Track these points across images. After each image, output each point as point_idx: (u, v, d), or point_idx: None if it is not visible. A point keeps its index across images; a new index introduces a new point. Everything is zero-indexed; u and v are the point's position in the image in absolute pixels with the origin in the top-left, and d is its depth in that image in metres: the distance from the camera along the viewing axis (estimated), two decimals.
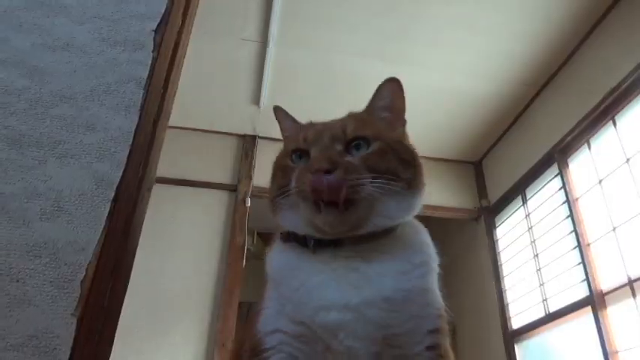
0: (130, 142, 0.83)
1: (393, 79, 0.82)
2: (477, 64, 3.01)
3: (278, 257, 0.74)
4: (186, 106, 3.31)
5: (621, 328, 2.30)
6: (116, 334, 2.80)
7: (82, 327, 0.70)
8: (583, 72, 2.86)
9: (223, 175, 3.36)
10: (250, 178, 3.32)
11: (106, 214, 0.77)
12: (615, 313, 2.35)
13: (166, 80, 0.96)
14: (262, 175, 3.36)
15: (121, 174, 0.80)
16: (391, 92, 0.82)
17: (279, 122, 0.88)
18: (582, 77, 2.86)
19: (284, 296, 0.69)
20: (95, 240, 0.75)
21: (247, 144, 3.48)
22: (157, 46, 0.92)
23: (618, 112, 2.57)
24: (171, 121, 3.74)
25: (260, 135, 3.50)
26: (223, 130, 3.50)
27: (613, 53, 2.63)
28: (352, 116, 0.80)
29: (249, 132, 3.50)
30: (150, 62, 0.90)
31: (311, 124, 0.81)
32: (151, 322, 2.86)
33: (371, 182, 0.64)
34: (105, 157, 0.81)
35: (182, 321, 2.93)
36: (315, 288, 0.66)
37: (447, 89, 3.13)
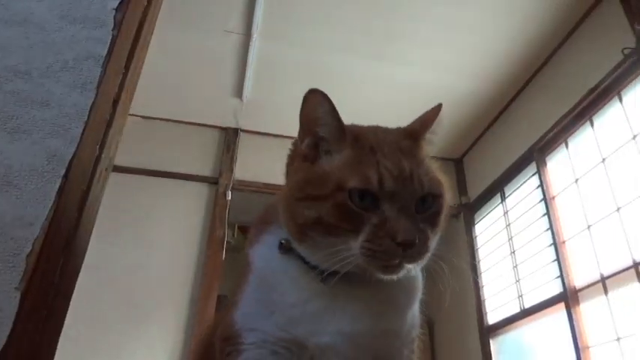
0: (85, 120, 0.82)
1: (440, 105, 0.75)
2: (460, 62, 3.03)
3: (274, 264, 0.68)
4: (168, 97, 3.30)
5: (593, 324, 2.33)
6: (93, 324, 2.78)
7: (25, 301, 0.69)
8: (563, 72, 2.89)
9: (204, 168, 3.34)
10: (232, 171, 3.31)
11: (56, 190, 0.76)
12: (588, 309, 2.38)
13: (129, 59, 0.95)
14: (244, 169, 3.35)
15: (73, 151, 0.79)
16: (438, 117, 0.74)
17: (313, 110, 0.66)
18: (562, 77, 2.89)
19: (274, 304, 0.65)
20: (44, 215, 0.74)
21: (229, 137, 3.47)
22: (118, 25, 0.91)
23: (596, 112, 2.60)
24: (152, 112, 3.74)
25: (243, 128, 3.49)
26: (205, 123, 3.48)
27: (592, 54, 2.67)
28: (418, 156, 0.68)
29: (232, 125, 3.48)
30: (109, 40, 0.89)
31: (372, 150, 0.65)
32: (129, 313, 2.84)
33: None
34: (58, 133, 0.80)
35: (160, 312, 2.92)
36: (315, 312, 0.64)
37: (430, 86, 3.14)
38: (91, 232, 0.90)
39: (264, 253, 0.71)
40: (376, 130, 0.72)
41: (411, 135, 0.70)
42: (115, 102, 0.93)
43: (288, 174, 0.72)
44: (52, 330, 0.75)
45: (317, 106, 0.66)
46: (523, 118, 3.18)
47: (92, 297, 2.83)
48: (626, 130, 2.36)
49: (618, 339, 2.12)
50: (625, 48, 2.40)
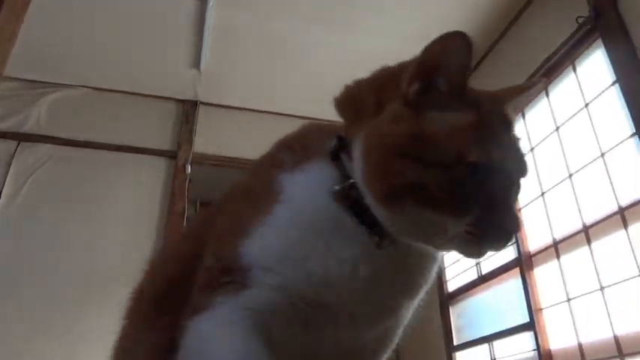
0: None
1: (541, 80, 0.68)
2: (422, 31, 2.99)
3: (323, 207, 0.57)
4: (122, 68, 3.16)
5: (545, 287, 2.41)
6: (48, 302, 2.68)
7: None
8: (519, 43, 2.92)
9: (162, 141, 3.24)
10: (191, 144, 3.23)
11: None
12: (541, 273, 2.46)
13: None
14: (204, 142, 3.27)
15: None
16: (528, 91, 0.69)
17: (446, 55, 0.55)
18: (519, 48, 2.93)
19: (313, 251, 0.56)
20: None
21: (188, 109, 3.37)
22: None
23: (550, 82, 2.65)
24: (105, 84, 3.59)
25: (202, 100, 3.39)
26: (162, 95, 3.36)
27: (548, 24, 2.70)
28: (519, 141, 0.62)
29: (190, 97, 3.38)
30: None
31: (491, 120, 0.57)
32: (86, 290, 2.76)
33: None
34: None
35: (119, 289, 2.84)
36: (367, 276, 0.57)
37: (389, 55, 3.09)
38: None
39: (308, 186, 0.58)
40: (489, 95, 0.62)
41: (506, 104, 0.62)
42: None
43: (375, 109, 0.59)
44: None
45: (454, 53, 0.54)
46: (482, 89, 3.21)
47: (46, 275, 2.73)
48: (578, 99, 2.42)
49: (569, 300, 2.20)
50: (579, 17, 2.44)
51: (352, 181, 0.57)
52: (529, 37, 2.86)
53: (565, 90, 2.57)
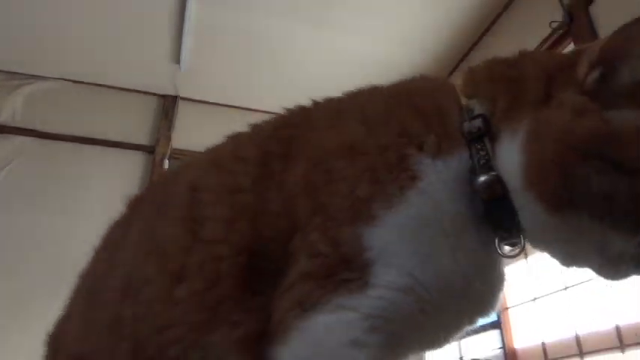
0: None
1: None
2: (403, 33, 3.04)
3: (460, 205, 0.50)
4: (101, 61, 3.14)
5: (512, 286, 2.45)
6: (19, 296, 2.66)
7: None
8: (497, 45, 2.96)
9: (140, 136, 3.23)
10: (169, 139, 3.22)
11: None
12: (508, 273, 2.50)
13: None
14: (183, 138, 3.27)
15: None
16: None
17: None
18: (496, 51, 2.95)
19: (440, 250, 0.49)
20: None
21: (167, 104, 3.36)
22: None
23: None
24: (85, 77, 3.56)
25: (182, 96, 3.38)
26: (142, 89, 3.35)
27: (524, 28, 2.74)
28: None
29: (170, 92, 3.37)
30: None
31: None
32: (60, 283, 2.73)
33: None
34: None
35: None
36: (486, 281, 0.53)
37: (371, 56, 3.14)
38: None
39: (451, 178, 0.50)
40: None
41: None
42: None
43: (544, 97, 0.51)
44: None
45: None
46: None
47: (19, 267, 2.72)
48: None
49: (534, 299, 2.24)
50: (552, 21, 2.48)
51: (495, 174, 0.49)
52: (505, 40, 2.89)
53: None
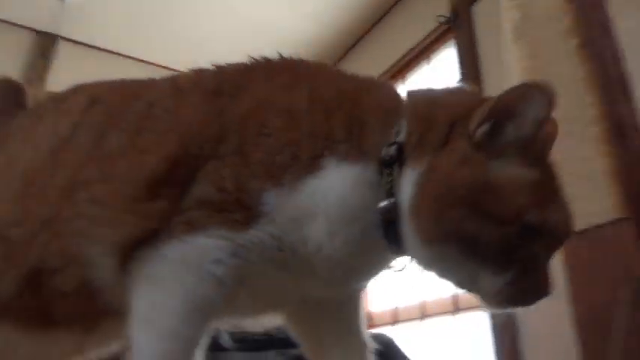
0: None
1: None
2: (302, 1, 3.05)
3: (359, 212, 0.57)
4: None
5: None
6: None
7: None
8: (388, 33, 3.11)
9: (9, 74, 2.92)
10: (43, 81, 2.95)
11: None
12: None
13: None
14: (59, 81, 3.01)
15: None
16: None
17: (524, 107, 0.53)
18: (387, 38, 3.11)
19: (329, 233, 0.56)
20: None
21: (45, 42, 3.06)
22: None
23: (408, 72, 2.88)
24: None
25: (62, 35, 3.10)
26: (16, 22, 3.01)
27: (413, 19, 2.90)
28: None
29: (50, 30, 3.07)
30: None
31: (555, 179, 0.56)
32: None
33: None
34: None
35: None
36: (355, 264, 0.60)
37: (268, 25, 3.12)
38: None
39: (351, 185, 0.56)
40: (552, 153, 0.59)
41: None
42: None
43: (444, 140, 0.56)
44: None
45: (533, 104, 0.52)
46: (357, 69, 3.36)
47: None
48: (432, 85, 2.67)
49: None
50: (439, 15, 2.65)
51: (395, 200, 0.55)
52: (395, 30, 3.06)
53: (420, 80, 2.81)
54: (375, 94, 0.64)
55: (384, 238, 0.56)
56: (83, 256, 0.56)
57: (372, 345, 0.68)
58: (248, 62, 0.67)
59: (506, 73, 0.87)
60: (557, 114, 0.74)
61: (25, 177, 0.63)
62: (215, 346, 1.45)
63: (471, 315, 1.98)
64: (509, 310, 0.55)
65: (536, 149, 0.53)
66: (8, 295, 0.58)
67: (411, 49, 2.83)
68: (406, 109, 0.61)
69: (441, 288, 2.11)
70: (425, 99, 0.62)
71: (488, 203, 0.51)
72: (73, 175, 0.59)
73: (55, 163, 0.62)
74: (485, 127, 0.53)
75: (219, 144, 0.57)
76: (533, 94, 0.52)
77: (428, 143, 0.56)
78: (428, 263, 0.56)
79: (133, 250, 0.55)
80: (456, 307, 2.09)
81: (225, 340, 1.49)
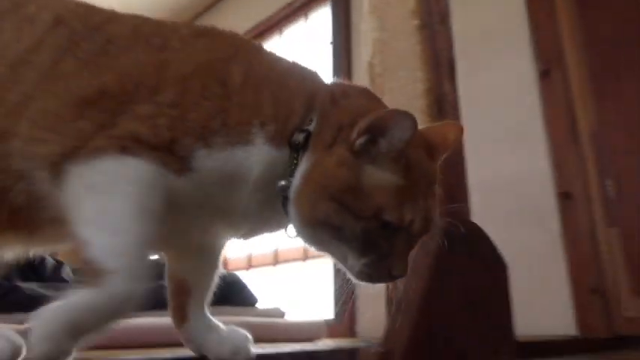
0: None
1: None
2: None
3: (264, 189, 0.65)
4: None
5: None
6: None
7: None
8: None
9: None
10: None
11: None
12: None
13: None
14: None
15: None
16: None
17: (394, 129, 0.62)
18: None
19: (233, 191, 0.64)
20: None
21: None
22: None
23: (285, 25, 2.91)
24: None
25: None
26: None
27: None
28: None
29: None
30: None
31: (415, 185, 0.64)
32: None
33: None
34: None
35: None
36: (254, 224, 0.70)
37: None
38: None
39: (261, 162, 0.64)
40: (422, 156, 0.67)
41: (436, 159, 0.70)
42: None
43: (331, 142, 0.64)
44: None
45: (400, 127, 0.61)
46: (223, 24, 3.29)
47: None
48: (307, 42, 2.75)
49: None
50: None
51: (289, 183, 0.64)
52: None
53: (296, 33, 2.87)
54: (302, 79, 0.72)
55: (283, 208, 0.66)
56: (23, 171, 0.61)
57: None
58: (199, 28, 0.74)
59: (362, 40, 0.95)
60: (393, 84, 0.85)
61: None
62: (57, 278, 1.42)
63: (318, 262, 2.18)
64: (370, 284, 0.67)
65: (401, 161, 0.63)
66: None
67: (289, 4, 2.85)
68: (321, 101, 0.69)
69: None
70: (333, 97, 0.71)
71: (354, 202, 0.61)
72: (25, 92, 0.62)
73: (14, 77, 0.64)
74: (362, 139, 0.63)
75: (156, 93, 0.63)
76: (401, 119, 0.61)
77: (321, 140, 0.66)
78: (306, 240, 0.67)
79: (63, 164, 0.59)
80: (305, 255, 2.26)
81: (67, 273, 1.45)
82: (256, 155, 0.64)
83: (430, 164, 0.68)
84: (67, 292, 0.55)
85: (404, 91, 0.81)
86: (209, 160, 0.62)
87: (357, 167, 0.62)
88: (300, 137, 0.66)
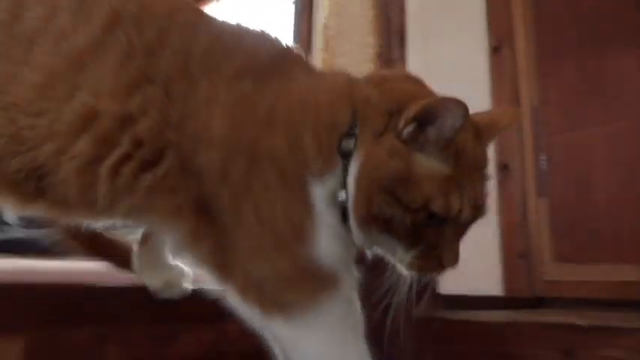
0: None
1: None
2: None
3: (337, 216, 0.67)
4: None
5: None
6: None
7: None
8: None
9: None
10: None
11: None
12: None
13: None
14: None
15: None
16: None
17: (446, 117, 0.60)
18: None
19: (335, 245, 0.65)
20: None
21: None
22: None
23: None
24: None
25: None
26: None
27: None
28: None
29: None
30: None
31: (464, 174, 0.63)
32: None
33: None
34: None
35: None
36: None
37: None
38: None
39: (325, 192, 0.64)
40: (470, 142, 0.64)
41: (485, 144, 0.69)
42: None
43: (381, 132, 0.62)
44: None
45: (452, 115, 0.59)
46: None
47: None
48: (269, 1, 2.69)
49: None
50: None
51: (346, 193, 0.63)
52: None
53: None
54: (329, 92, 0.67)
55: (343, 221, 0.65)
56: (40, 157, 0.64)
57: None
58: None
59: (319, 3, 0.96)
60: (345, 47, 0.88)
61: (46, 73, 0.64)
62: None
63: None
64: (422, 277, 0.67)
65: (450, 150, 0.62)
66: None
67: None
68: (360, 97, 0.66)
69: None
70: (374, 83, 0.69)
71: (407, 194, 0.60)
72: (74, 83, 0.63)
73: (76, 66, 0.64)
74: (410, 128, 0.61)
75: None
76: (452, 107, 0.59)
77: (370, 131, 0.63)
78: (361, 240, 0.66)
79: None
80: None
81: (10, 217, 1.42)
82: (319, 193, 0.63)
83: (479, 149, 0.66)
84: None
85: (355, 55, 0.84)
86: (319, 241, 0.63)
87: (408, 156, 0.61)
88: (350, 143, 0.64)
